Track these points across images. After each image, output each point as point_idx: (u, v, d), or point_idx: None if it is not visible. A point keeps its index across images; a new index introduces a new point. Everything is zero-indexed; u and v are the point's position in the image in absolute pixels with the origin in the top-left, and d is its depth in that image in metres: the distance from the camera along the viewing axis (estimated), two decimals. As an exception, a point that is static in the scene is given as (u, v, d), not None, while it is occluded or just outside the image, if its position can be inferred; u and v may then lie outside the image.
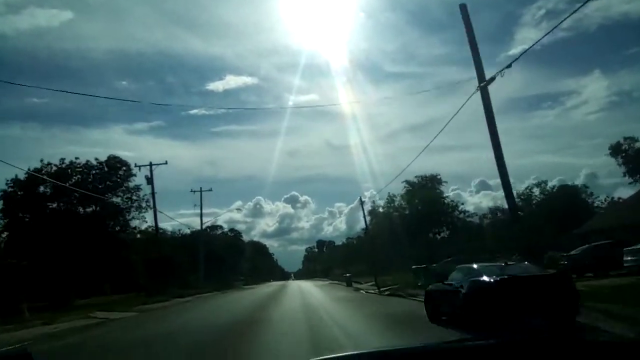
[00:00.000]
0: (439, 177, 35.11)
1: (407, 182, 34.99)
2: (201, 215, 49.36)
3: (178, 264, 48.26)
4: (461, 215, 34.04)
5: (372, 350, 2.26)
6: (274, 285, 70.77)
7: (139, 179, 36.84)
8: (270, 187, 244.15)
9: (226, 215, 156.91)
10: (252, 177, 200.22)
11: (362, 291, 32.65)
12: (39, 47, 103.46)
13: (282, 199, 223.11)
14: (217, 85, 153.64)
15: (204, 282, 51.69)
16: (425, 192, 33.58)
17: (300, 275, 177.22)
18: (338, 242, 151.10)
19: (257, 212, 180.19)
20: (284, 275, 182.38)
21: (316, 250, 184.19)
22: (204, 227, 62.82)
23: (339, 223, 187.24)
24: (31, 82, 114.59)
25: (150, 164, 34.76)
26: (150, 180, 34.25)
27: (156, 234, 35.56)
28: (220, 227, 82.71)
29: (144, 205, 39.99)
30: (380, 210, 35.31)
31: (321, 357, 1.91)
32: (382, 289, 30.79)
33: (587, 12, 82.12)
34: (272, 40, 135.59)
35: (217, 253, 59.59)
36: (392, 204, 35.13)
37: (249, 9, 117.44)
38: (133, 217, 39.62)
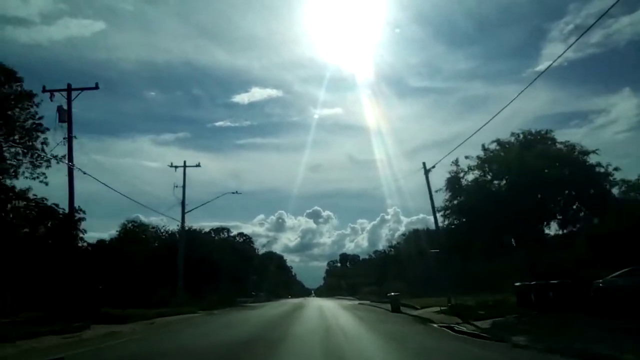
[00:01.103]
0: (551, 134, 20.11)
1: (497, 141, 20.06)
2: (183, 203, 35.15)
3: (143, 270, 34.24)
4: (616, 189, 18.54)
5: None
6: (289, 304, 55.79)
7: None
8: (293, 201, 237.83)
9: (248, 229, 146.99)
10: (275, 190, 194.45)
11: (437, 326, 17.58)
12: (71, 57, 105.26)
13: (305, 214, 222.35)
14: (242, 97, 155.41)
15: (191, 297, 37.52)
16: (551, 149, 18.43)
17: (322, 292, 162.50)
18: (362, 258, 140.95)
19: (279, 226, 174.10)
20: (304, 292, 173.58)
21: (339, 265, 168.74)
22: (203, 229, 48.94)
23: (361, 240, 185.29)
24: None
25: (69, 88, 20.16)
26: (65, 114, 19.43)
27: (70, 213, 20.82)
28: (227, 229, 68.73)
29: (44, 154, 22.41)
30: (469, 178, 19.82)
31: None
32: (477, 323, 15.86)
33: (618, 28, 75.95)
34: (298, 53, 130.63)
35: (215, 261, 45.17)
36: (488, 168, 19.79)
37: (275, 22, 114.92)
38: (25, 175, 23.36)
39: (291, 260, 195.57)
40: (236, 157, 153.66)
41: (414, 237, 54.86)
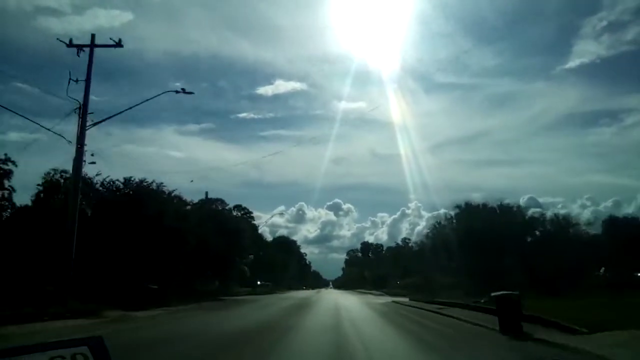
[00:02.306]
0: None
1: None
2: (84, 107, 18.49)
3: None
4: None
5: None
6: (293, 299, 39.52)
7: None
8: (314, 194, 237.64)
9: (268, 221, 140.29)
10: (296, 182, 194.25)
11: None
12: (100, 47, 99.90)
13: (325, 206, 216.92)
14: (266, 90, 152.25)
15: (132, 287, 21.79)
16: None
17: (340, 283, 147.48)
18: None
19: (299, 217, 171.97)
20: (321, 283, 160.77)
21: (360, 254, 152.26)
22: (164, 188, 32.70)
23: (381, 233, 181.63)
24: (92, 81, 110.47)
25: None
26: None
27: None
28: (221, 200, 52.43)
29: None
30: None
31: None
32: None
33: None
34: (323, 46, 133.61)
35: (174, 232, 28.83)
36: None
37: (302, 15, 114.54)
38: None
39: (310, 252, 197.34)
40: (259, 149, 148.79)
41: (481, 212, 37.63)
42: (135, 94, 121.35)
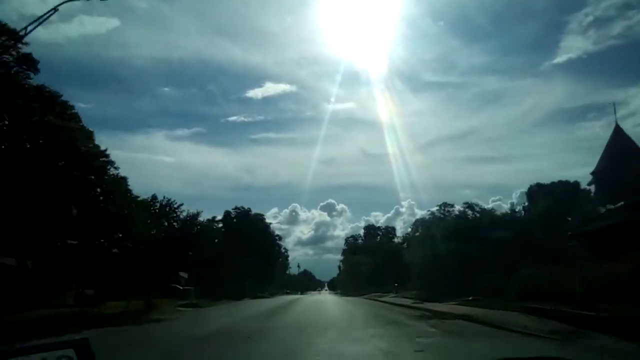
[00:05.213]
0: None
1: None
2: None
3: None
4: None
5: None
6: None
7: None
8: (306, 195, 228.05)
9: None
10: (289, 184, 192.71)
11: None
12: (87, 54, 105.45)
13: (318, 207, 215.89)
14: (256, 93, 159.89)
15: None
16: None
17: (338, 284, 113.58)
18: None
19: (292, 219, 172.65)
20: (315, 285, 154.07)
21: (362, 240, 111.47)
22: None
23: None
24: (80, 89, 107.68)
25: None
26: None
27: None
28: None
29: None
30: None
31: None
32: None
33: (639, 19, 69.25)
34: (312, 48, 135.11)
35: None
36: None
37: (290, 18, 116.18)
38: None
39: (305, 253, 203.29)
40: (250, 152, 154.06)
41: None
42: (124, 100, 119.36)
